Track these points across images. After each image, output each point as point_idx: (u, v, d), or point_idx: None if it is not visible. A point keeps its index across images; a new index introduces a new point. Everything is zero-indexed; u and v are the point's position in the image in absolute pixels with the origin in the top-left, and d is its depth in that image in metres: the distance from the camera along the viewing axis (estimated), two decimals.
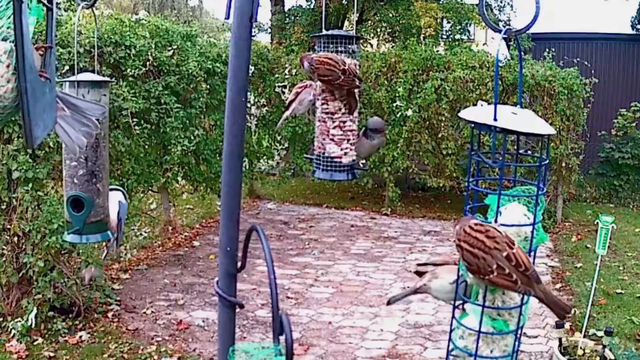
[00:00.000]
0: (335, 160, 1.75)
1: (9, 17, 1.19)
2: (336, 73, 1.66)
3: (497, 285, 1.32)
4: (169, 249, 6.73)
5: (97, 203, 1.83)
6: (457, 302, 1.47)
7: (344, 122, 1.74)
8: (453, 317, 1.45)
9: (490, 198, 1.43)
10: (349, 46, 1.73)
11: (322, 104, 1.75)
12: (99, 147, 1.84)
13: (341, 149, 1.74)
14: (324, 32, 1.74)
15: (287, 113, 1.83)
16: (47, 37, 1.29)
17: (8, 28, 1.19)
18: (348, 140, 1.75)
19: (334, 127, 1.73)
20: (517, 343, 1.42)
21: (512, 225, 1.38)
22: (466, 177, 1.46)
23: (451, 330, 1.46)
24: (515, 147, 1.48)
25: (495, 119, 1.30)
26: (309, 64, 1.69)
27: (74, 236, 1.85)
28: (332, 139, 1.74)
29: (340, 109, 1.73)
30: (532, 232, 1.38)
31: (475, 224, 1.33)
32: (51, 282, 4.41)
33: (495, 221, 1.39)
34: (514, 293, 1.37)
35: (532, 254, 1.40)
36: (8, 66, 1.17)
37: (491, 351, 1.39)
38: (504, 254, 1.28)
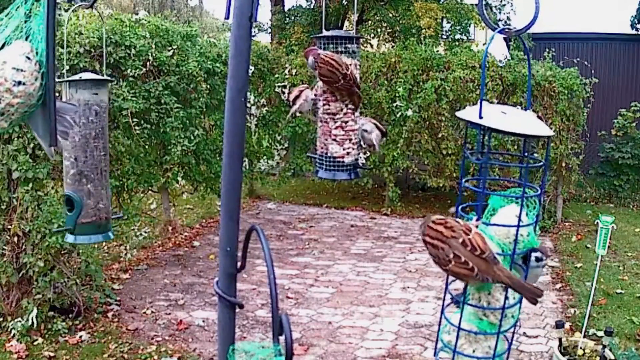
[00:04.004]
0: (338, 160, 1.76)
1: (23, 18, 1.21)
2: (337, 76, 1.66)
3: (457, 275, 1.33)
4: (169, 249, 6.73)
5: (87, 204, 1.81)
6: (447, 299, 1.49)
7: (346, 122, 1.74)
8: (442, 313, 1.47)
9: (492, 199, 1.44)
10: (349, 46, 1.73)
11: (324, 104, 1.75)
12: (89, 148, 1.79)
13: (343, 149, 1.75)
14: (324, 32, 1.74)
15: (295, 107, 1.82)
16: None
17: (21, 29, 1.21)
18: (350, 140, 1.75)
19: (336, 128, 1.74)
20: (508, 345, 1.43)
21: (502, 225, 1.39)
22: (466, 177, 1.47)
23: (439, 327, 1.49)
24: (516, 147, 1.49)
25: (480, 117, 1.31)
26: (313, 60, 1.68)
27: (68, 235, 1.85)
28: (334, 139, 1.74)
29: (341, 110, 1.73)
30: (517, 233, 1.37)
31: (438, 219, 1.36)
32: (51, 282, 4.41)
33: (478, 219, 1.40)
34: (500, 295, 1.38)
35: (522, 257, 1.40)
36: (36, 64, 1.19)
37: (473, 351, 1.40)
38: (460, 240, 1.30)
